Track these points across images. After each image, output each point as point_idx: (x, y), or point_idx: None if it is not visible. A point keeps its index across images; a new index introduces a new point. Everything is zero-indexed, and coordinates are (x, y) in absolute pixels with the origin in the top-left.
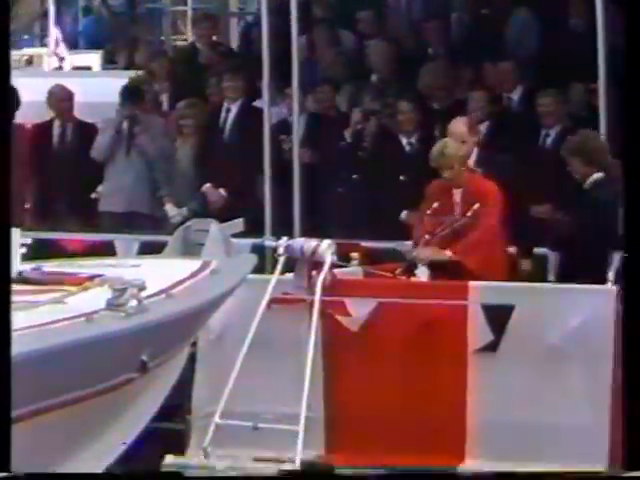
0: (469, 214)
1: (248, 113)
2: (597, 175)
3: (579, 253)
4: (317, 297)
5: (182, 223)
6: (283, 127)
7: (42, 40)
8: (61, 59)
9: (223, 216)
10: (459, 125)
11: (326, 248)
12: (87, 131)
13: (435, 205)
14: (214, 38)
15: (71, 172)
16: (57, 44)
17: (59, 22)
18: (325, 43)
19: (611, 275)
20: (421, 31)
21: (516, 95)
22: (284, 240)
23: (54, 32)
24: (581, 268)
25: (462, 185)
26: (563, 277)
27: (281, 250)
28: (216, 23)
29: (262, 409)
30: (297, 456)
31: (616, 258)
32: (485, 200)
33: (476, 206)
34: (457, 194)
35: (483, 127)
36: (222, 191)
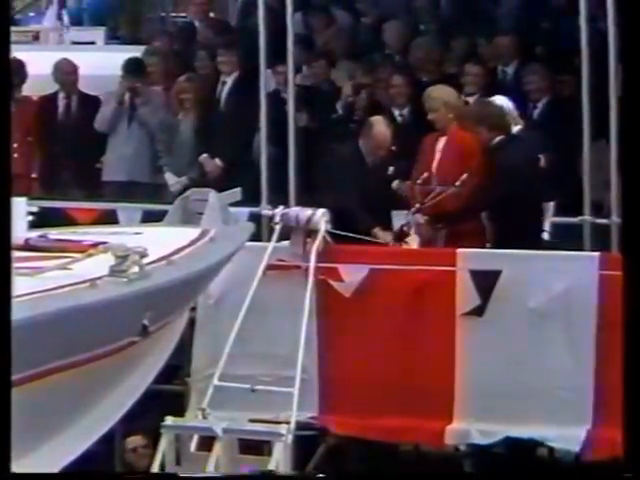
0: (457, 184)
1: (242, 86)
2: (499, 137)
3: (505, 216)
4: (312, 264)
5: (182, 192)
6: (278, 100)
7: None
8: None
9: (222, 186)
10: (380, 125)
11: (320, 217)
12: (91, 103)
13: (425, 175)
14: (211, 15)
15: (76, 142)
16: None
17: None
18: (321, 22)
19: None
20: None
21: (511, 69)
22: (280, 209)
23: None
24: (512, 229)
25: (446, 132)
26: (499, 242)
27: (277, 218)
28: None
29: (259, 372)
30: (292, 417)
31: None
32: (471, 167)
33: (464, 176)
34: (441, 142)
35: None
36: (218, 161)
